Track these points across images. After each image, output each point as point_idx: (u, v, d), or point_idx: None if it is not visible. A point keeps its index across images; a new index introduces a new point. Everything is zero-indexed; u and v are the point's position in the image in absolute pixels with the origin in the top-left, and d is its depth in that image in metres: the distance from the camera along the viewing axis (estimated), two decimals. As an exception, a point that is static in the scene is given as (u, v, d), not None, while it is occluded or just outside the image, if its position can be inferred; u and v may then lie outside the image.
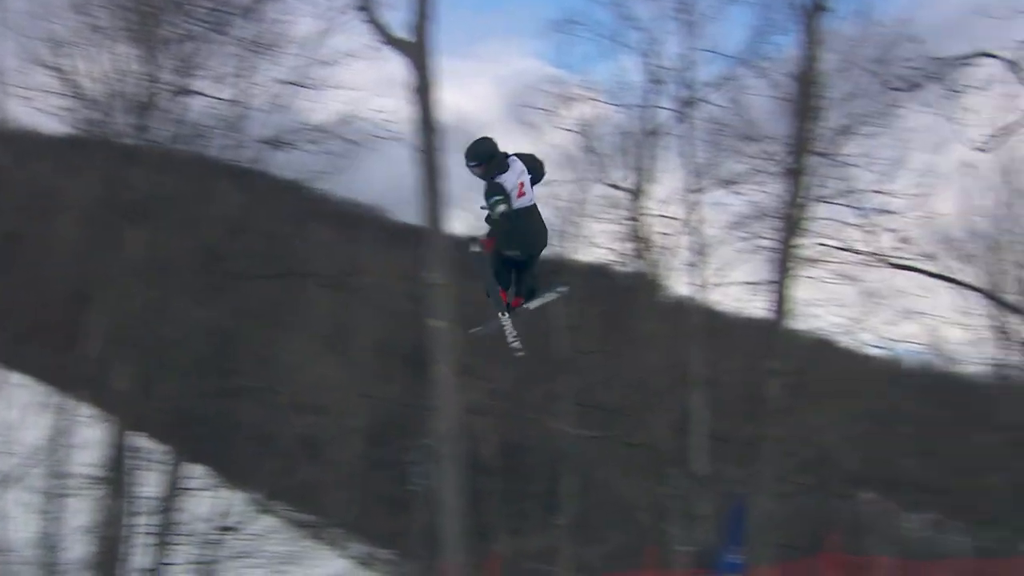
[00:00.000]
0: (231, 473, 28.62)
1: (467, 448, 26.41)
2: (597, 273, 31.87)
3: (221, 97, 26.51)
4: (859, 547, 27.38)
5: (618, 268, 30.96)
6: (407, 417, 31.62)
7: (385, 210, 39.00)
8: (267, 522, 28.32)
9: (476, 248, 9.50)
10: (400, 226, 35.00)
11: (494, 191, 9.29)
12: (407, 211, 30.52)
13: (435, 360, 25.39)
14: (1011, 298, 29.50)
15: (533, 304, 9.95)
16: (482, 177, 9.40)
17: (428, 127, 25.44)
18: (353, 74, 40.23)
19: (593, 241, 30.81)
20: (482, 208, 9.49)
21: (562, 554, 28.87)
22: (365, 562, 32.92)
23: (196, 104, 26.53)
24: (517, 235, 9.58)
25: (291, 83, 26.87)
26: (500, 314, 9.73)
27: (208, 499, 26.55)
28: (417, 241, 26.87)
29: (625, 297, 30.65)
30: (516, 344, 9.83)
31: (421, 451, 28.66)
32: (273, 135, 27.01)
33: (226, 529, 26.48)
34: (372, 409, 34.02)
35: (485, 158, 9.39)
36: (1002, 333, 30.28)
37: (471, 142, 9.56)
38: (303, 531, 32.24)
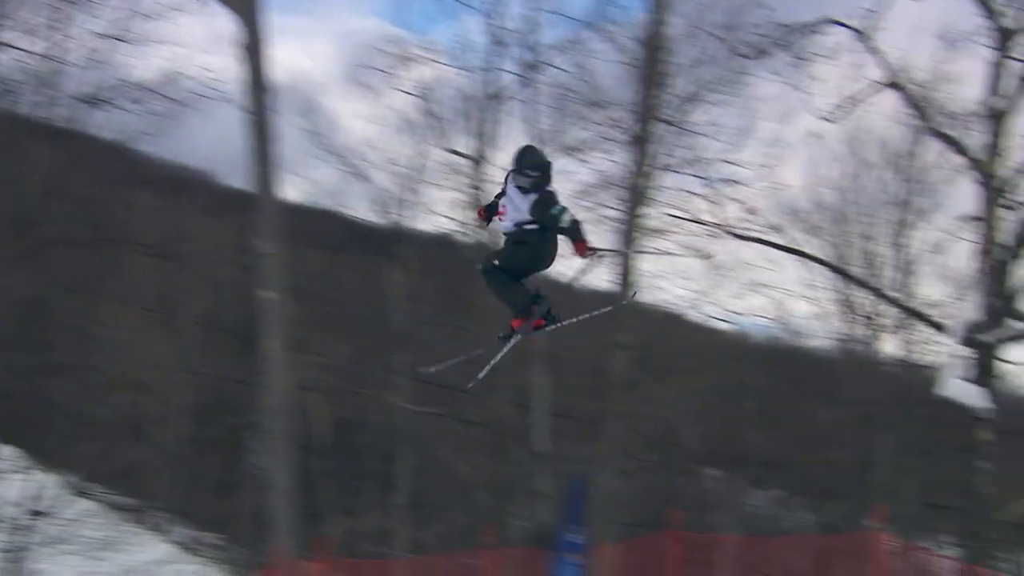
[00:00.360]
0: (44, 454, 28.09)
1: (299, 426, 26.34)
2: (437, 243, 31.99)
3: (32, 51, 25.90)
4: (704, 524, 28.04)
5: (459, 238, 31.08)
6: (235, 394, 31.38)
7: (213, 175, 38.54)
8: (83, 506, 27.85)
9: (598, 256, 9.52)
10: (229, 192, 34.66)
11: (554, 199, 9.26)
12: (236, 176, 30.29)
13: (265, 334, 25.23)
14: (856, 271, 30.43)
15: (552, 327, 9.94)
16: (531, 188, 9.24)
17: (259, 87, 25.13)
18: (178, 29, 39.49)
19: (433, 209, 30.88)
20: (516, 224, 9.34)
21: (398, 535, 29.06)
22: (190, 547, 32.57)
23: (4, 58, 25.88)
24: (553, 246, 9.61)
25: (110, 37, 26.37)
26: (515, 335, 9.70)
27: (18, 482, 26.01)
28: (247, 208, 26.60)
29: (466, 268, 30.78)
30: (486, 372, 9.93)
31: (258, 432, 28.48)
32: (91, 92, 26.50)
33: (38, 514, 25.98)
34: (198, 386, 33.63)
35: (544, 168, 9.31)
36: (847, 306, 31.29)
37: (525, 150, 9.42)
38: (123, 515, 31.76)
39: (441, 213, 30.69)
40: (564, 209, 9.20)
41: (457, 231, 30.90)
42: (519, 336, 9.71)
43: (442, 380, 28.89)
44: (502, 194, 9.51)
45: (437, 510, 29.62)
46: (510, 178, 9.35)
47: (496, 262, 9.50)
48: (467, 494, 28.40)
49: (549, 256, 9.55)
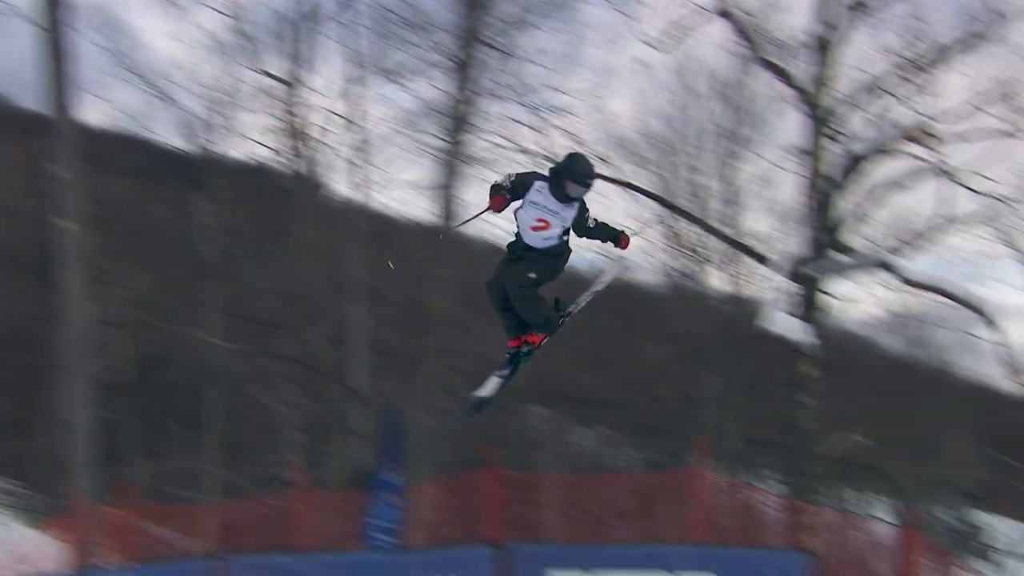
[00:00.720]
0: None
1: (100, 364, 25.92)
2: (250, 171, 31.52)
3: None
4: (528, 463, 28.39)
5: (273, 166, 30.70)
6: (30, 330, 30.57)
7: (4, 96, 37.24)
8: None
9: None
10: (22, 114, 33.56)
11: (587, 205, 9.20)
12: (30, 97, 29.38)
13: (62, 266, 24.70)
14: (683, 203, 30.88)
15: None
16: (580, 197, 9.09)
17: (53, 1, 24.58)
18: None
19: (246, 136, 30.38)
20: (561, 235, 9.18)
21: (208, 477, 28.76)
22: (-20, 494, 31.87)
23: None
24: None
25: None
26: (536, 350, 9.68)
27: None
28: (42, 131, 25.96)
29: (281, 198, 30.45)
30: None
31: (55, 370, 27.77)
32: None
33: None
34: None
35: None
36: (674, 240, 31.79)
37: (580, 158, 9.18)
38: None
39: (254, 140, 30.26)
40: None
41: (271, 159, 30.54)
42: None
43: (254, 315, 28.79)
44: (514, 192, 9.14)
45: (249, 451, 29.35)
46: (543, 186, 9.07)
47: (533, 275, 9.26)
48: (280, 434, 28.25)
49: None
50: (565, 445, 34.10)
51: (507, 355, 9.74)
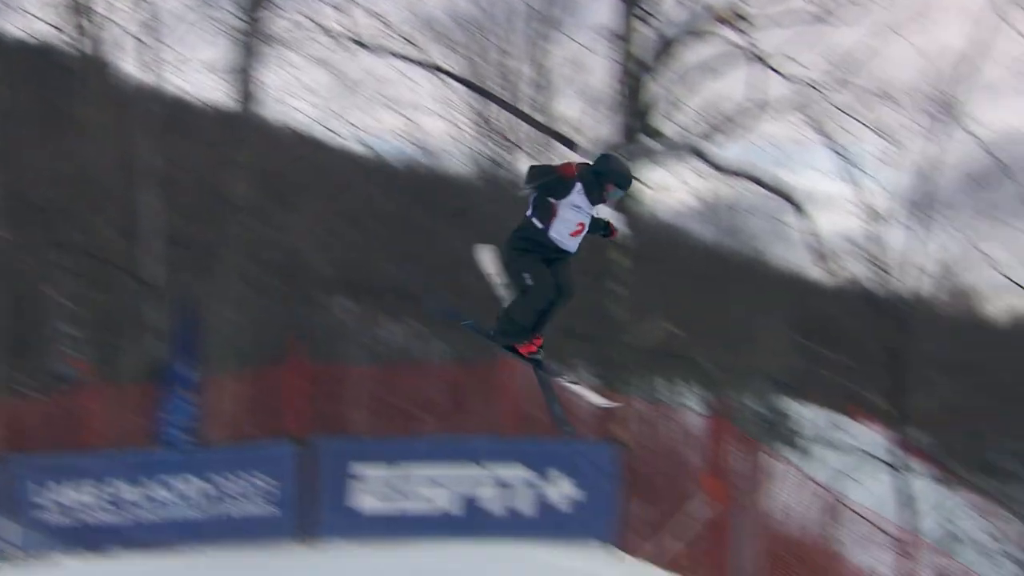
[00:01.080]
0: None
1: None
2: (31, 50, 30.31)
3: None
4: (334, 355, 28.23)
5: (55, 44, 29.52)
6: None
7: None
8: None
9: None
10: None
11: None
12: None
13: None
14: (493, 88, 30.74)
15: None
16: (616, 199, 9.10)
17: None
18: None
19: (24, 11, 29.15)
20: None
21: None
22: None
23: None
24: None
25: None
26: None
27: None
28: None
29: (64, 78, 29.33)
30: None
31: None
32: None
33: None
34: None
35: None
36: (484, 125, 31.63)
37: (620, 162, 9.18)
38: None
39: (34, 15, 29.05)
40: None
41: (54, 36, 29.37)
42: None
43: (37, 203, 27.81)
44: (558, 191, 8.96)
45: (33, 347, 28.58)
46: (581, 188, 8.92)
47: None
48: (67, 328, 27.58)
49: None
50: (372, 338, 33.94)
51: (532, 363, 9.88)
